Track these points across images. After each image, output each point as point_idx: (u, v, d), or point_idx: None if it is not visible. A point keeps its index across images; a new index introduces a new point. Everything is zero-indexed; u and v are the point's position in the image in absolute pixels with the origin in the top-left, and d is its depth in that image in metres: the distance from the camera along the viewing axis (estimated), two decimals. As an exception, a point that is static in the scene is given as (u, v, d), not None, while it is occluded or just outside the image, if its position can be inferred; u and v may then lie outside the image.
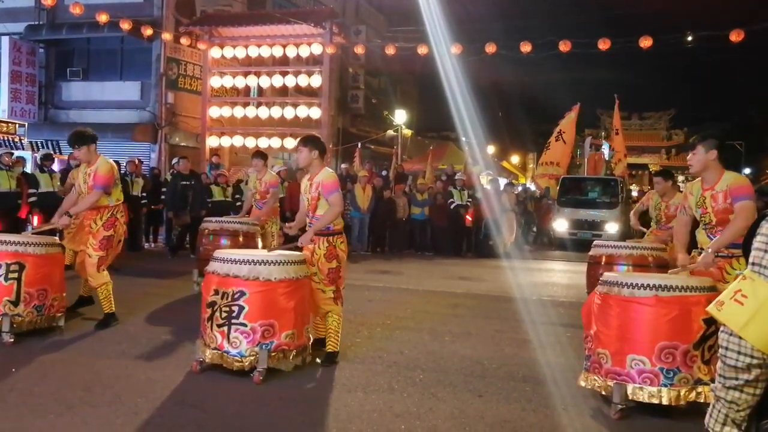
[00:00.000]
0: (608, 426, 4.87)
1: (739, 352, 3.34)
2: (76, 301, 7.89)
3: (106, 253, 7.33)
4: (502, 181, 21.65)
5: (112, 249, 7.46)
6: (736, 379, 3.38)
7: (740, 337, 3.31)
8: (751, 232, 3.56)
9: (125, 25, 18.64)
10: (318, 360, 6.18)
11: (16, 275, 6.58)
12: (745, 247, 3.62)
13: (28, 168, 14.48)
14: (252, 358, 5.48)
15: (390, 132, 33.52)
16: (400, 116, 32.21)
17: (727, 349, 3.39)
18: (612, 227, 20.05)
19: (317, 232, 6.15)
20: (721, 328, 3.46)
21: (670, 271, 5.60)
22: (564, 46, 17.11)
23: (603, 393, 5.11)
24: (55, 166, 14.87)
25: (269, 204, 10.14)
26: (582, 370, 5.37)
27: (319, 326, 6.41)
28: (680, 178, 44.42)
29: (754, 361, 3.30)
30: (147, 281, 10.99)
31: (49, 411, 4.72)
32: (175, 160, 15.92)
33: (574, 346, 7.07)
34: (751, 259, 3.38)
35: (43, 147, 19.34)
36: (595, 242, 9.28)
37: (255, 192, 10.25)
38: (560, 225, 21.05)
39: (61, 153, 18.82)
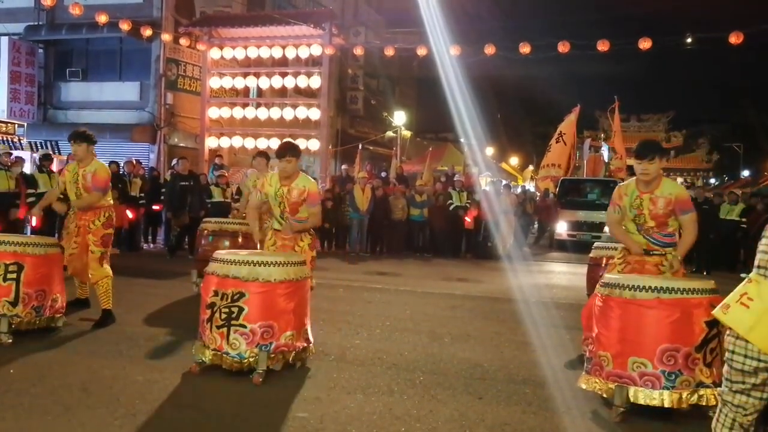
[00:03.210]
0: (609, 429, 4.84)
1: (745, 356, 3.30)
2: (72, 301, 7.88)
3: (107, 249, 7.56)
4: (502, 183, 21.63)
5: (109, 246, 7.67)
6: (743, 383, 3.34)
7: (747, 341, 3.29)
8: (757, 234, 3.53)
9: (124, 26, 18.65)
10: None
11: (14, 276, 6.56)
12: (748, 248, 3.62)
13: (27, 168, 14.46)
14: (251, 359, 5.45)
15: (389, 133, 33.49)
16: (399, 117, 32.16)
17: (733, 352, 3.36)
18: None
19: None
20: (728, 332, 3.42)
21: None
22: (563, 47, 17.12)
23: (604, 395, 5.09)
24: (54, 167, 14.84)
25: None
26: (582, 372, 5.36)
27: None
28: (679, 180, 44.49)
29: (761, 365, 3.27)
30: (146, 282, 10.97)
31: (47, 412, 4.70)
32: (174, 161, 15.92)
33: (575, 348, 7.06)
34: (756, 262, 3.35)
35: (41, 147, 19.32)
36: (595, 244, 9.25)
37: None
38: (560, 227, 21.01)
39: (60, 153, 18.80)
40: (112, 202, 7.81)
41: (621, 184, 6.13)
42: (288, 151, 6.62)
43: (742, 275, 3.51)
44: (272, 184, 6.66)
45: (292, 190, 6.57)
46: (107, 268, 7.51)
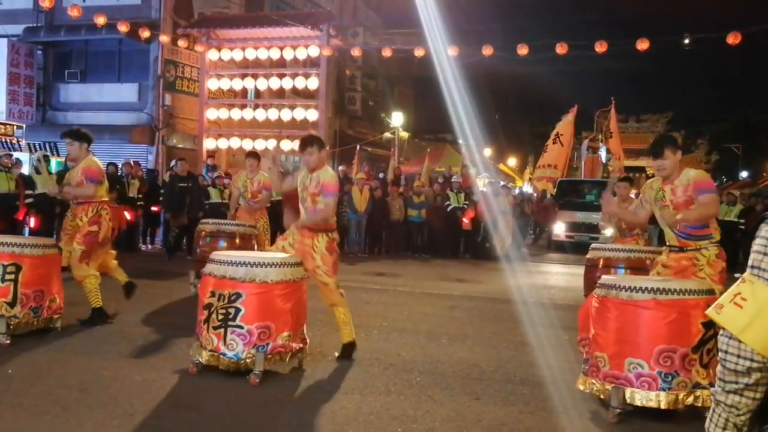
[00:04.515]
0: (606, 430, 4.85)
1: (738, 356, 3.31)
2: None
3: (89, 248, 7.46)
4: (500, 184, 21.64)
5: (96, 245, 7.57)
6: (736, 383, 3.35)
7: (740, 341, 3.29)
8: (752, 234, 3.54)
9: (123, 27, 18.65)
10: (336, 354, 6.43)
11: (12, 276, 6.57)
12: (747, 249, 3.63)
13: (25, 169, 14.48)
14: (248, 360, 5.46)
15: (387, 134, 33.50)
16: (397, 118, 32.17)
17: (726, 352, 3.37)
18: (609, 230, 19.97)
19: (317, 227, 6.34)
20: (721, 332, 3.43)
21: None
22: (561, 49, 17.13)
23: (601, 396, 5.10)
24: (52, 168, 14.85)
25: (260, 205, 10.26)
26: (580, 373, 5.37)
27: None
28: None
29: (754, 365, 3.28)
30: (144, 282, 10.89)
31: (45, 412, 4.70)
32: (173, 162, 15.94)
33: (573, 349, 7.03)
34: (750, 262, 3.36)
35: (40, 148, 19.34)
36: (592, 245, 9.28)
37: (245, 191, 10.30)
38: (558, 227, 21.01)
39: (58, 154, 18.81)
40: (106, 198, 7.71)
41: (650, 180, 6.04)
42: (309, 143, 6.50)
43: (737, 275, 3.52)
44: (300, 174, 6.62)
45: (313, 180, 6.46)
46: (86, 267, 7.45)
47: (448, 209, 17.37)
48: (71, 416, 4.66)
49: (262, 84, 19.73)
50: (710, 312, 3.49)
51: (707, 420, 3.56)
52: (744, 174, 56.04)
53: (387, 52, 19.37)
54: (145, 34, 19.09)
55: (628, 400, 4.87)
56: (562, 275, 14.94)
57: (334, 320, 6.54)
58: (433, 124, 39.72)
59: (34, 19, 22.59)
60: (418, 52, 18.59)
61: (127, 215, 14.59)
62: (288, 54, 19.19)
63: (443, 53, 19.50)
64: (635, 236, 9.22)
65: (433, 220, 17.52)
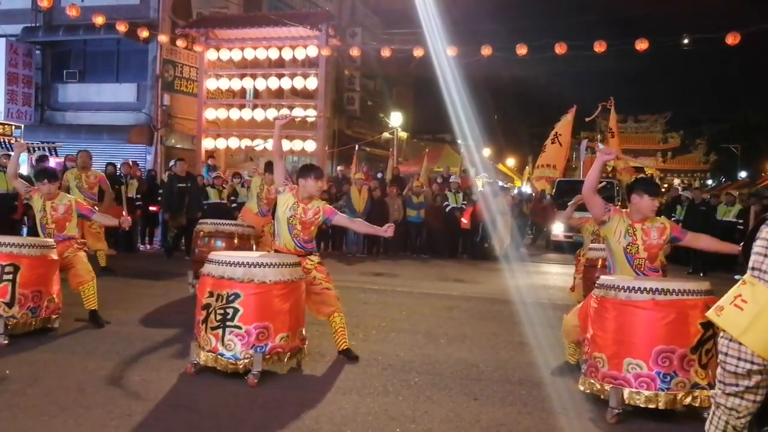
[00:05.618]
0: (605, 430, 4.85)
1: (739, 358, 3.31)
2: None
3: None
4: (499, 184, 21.63)
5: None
6: (736, 385, 3.35)
7: (740, 343, 3.29)
8: (751, 236, 3.54)
9: (121, 27, 18.63)
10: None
11: (10, 277, 6.56)
12: (745, 250, 3.61)
13: (24, 170, 14.45)
14: (246, 360, 5.45)
15: (386, 134, 33.50)
16: (396, 118, 32.17)
17: (726, 354, 3.36)
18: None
19: (306, 252, 6.41)
20: (721, 334, 3.42)
21: None
22: (560, 48, 17.13)
23: (602, 397, 5.09)
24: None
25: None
26: (579, 373, 5.37)
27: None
28: (676, 181, 44.47)
29: (755, 367, 3.27)
30: (142, 283, 10.96)
31: (43, 412, 4.70)
32: (172, 162, 15.93)
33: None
34: (750, 264, 3.35)
35: (39, 149, 19.32)
36: (591, 245, 9.25)
37: (260, 191, 10.83)
38: (556, 228, 20.96)
39: (57, 155, 18.77)
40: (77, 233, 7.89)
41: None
42: (310, 173, 6.55)
43: (736, 277, 3.52)
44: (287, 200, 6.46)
45: (310, 210, 6.43)
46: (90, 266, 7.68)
47: (447, 209, 17.35)
48: (69, 417, 4.65)
49: (260, 84, 19.73)
50: (710, 314, 3.48)
51: (707, 422, 3.55)
52: (743, 174, 56.07)
53: (386, 52, 19.36)
54: (144, 34, 19.08)
55: (627, 401, 4.87)
56: (560, 275, 14.90)
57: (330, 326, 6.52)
58: (432, 124, 39.75)
59: (33, 18, 22.56)
60: (417, 52, 18.58)
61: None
62: (287, 54, 19.19)
63: (442, 53, 19.50)
64: None
65: (432, 220, 17.50)
